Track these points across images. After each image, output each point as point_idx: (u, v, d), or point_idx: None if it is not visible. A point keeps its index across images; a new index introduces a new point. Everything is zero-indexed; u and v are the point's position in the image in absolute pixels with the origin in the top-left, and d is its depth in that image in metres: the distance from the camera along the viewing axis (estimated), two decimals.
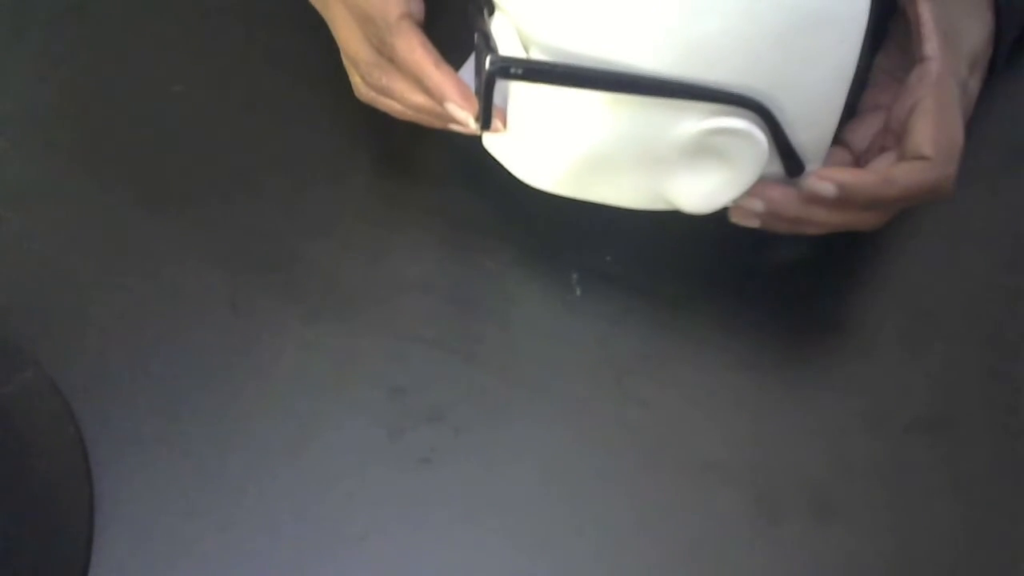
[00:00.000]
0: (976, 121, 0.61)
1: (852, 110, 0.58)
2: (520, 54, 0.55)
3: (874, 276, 0.64)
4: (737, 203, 0.57)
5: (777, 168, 0.56)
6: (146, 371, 0.60)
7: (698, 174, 0.56)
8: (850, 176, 0.55)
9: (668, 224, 0.61)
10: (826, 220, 0.57)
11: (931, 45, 0.57)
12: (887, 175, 0.55)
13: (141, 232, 0.64)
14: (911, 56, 0.58)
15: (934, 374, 0.61)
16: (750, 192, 0.56)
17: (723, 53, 0.52)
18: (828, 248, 0.63)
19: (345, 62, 0.63)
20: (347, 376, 0.60)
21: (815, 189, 0.55)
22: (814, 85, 0.54)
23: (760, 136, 0.53)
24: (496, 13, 0.57)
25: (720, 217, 0.58)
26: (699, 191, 0.56)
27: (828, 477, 0.58)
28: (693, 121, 0.53)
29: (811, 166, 0.56)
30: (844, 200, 0.55)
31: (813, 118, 0.55)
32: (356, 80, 0.62)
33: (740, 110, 0.53)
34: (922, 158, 0.55)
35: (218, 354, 0.61)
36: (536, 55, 0.54)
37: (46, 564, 0.55)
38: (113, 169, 0.67)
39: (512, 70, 0.54)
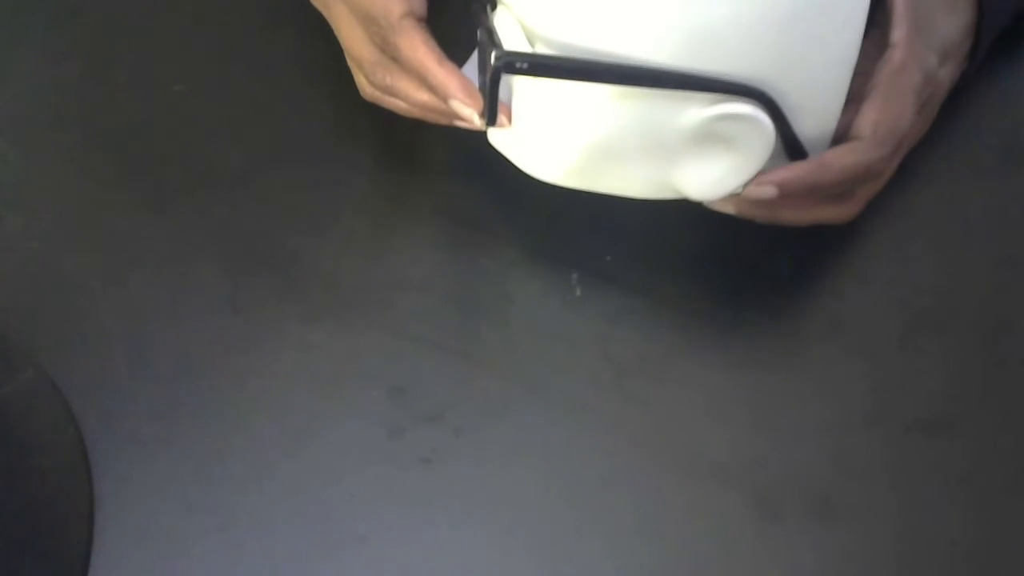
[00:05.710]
0: (975, 121, 0.62)
1: None
2: (524, 48, 0.55)
3: (874, 276, 0.64)
4: (712, 206, 0.58)
5: (781, 155, 0.56)
6: (146, 371, 0.60)
7: (705, 161, 0.56)
8: (785, 173, 0.56)
9: (668, 224, 0.62)
10: (793, 218, 0.59)
11: (898, 32, 0.58)
12: (820, 160, 0.56)
13: (141, 232, 0.64)
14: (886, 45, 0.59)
15: (935, 374, 0.61)
16: (722, 202, 0.58)
17: (726, 43, 0.52)
18: (828, 248, 0.63)
19: (349, 62, 0.63)
20: (347, 376, 0.60)
21: (757, 196, 0.56)
22: (817, 72, 0.54)
23: (766, 120, 0.54)
24: (499, 8, 0.57)
25: (721, 216, 0.58)
26: (706, 178, 0.56)
27: (828, 477, 0.58)
28: (698, 108, 0.54)
29: (815, 153, 0.57)
30: (786, 196, 0.56)
31: (816, 105, 0.55)
32: (361, 80, 0.62)
33: (744, 97, 0.53)
34: (858, 139, 0.57)
35: (218, 354, 0.61)
36: (541, 49, 0.54)
37: (46, 564, 0.55)
38: (113, 169, 0.67)
39: (518, 65, 0.54)
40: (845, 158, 0.56)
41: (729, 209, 0.58)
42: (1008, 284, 0.63)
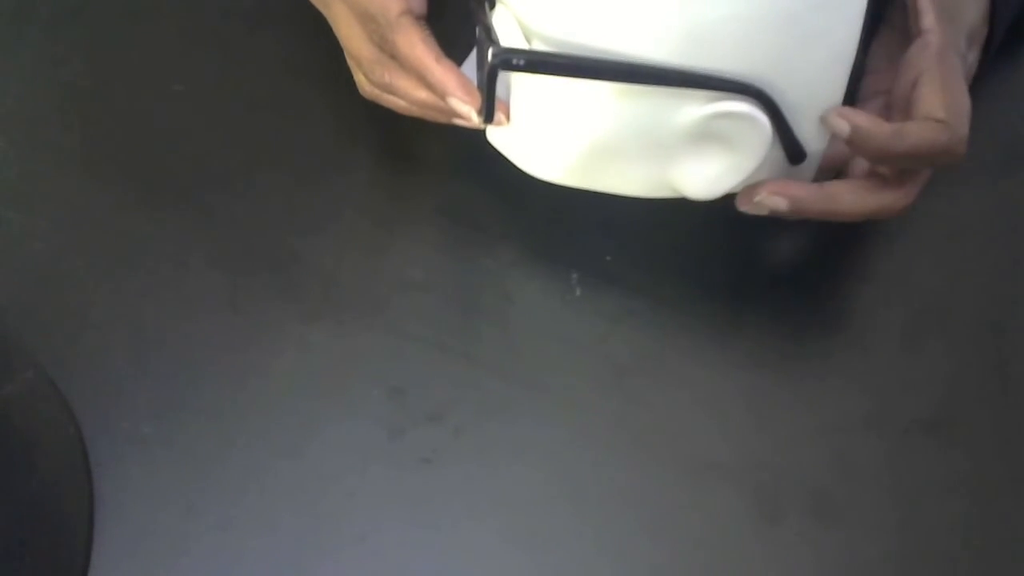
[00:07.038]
0: (976, 120, 0.61)
1: (852, 99, 0.58)
2: (522, 46, 0.55)
3: (874, 275, 0.64)
4: (758, 202, 0.56)
5: (779, 154, 0.56)
6: (146, 371, 0.60)
7: (702, 160, 0.56)
8: (865, 120, 0.54)
9: (668, 224, 0.62)
10: (850, 209, 0.57)
11: (928, 19, 0.57)
12: (899, 128, 0.54)
13: (141, 232, 0.64)
14: (910, 39, 0.58)
15: (935, 374, 0.61)
16: (772, 190, 0.56)
17: (724, 41, 0.52)
18: (829, 248, 0.63)
19: (348, 61, 0.63)
20: (347, 376, 0.60)
21: (831, 124, 0.54)
22: (815, 68, 0.54)
23: (763, 119, 0.54)
24: (497, 6, 0.57)
25: (721, 217, 0.58)
26: (704, 177, 0.56)
27: (828, 477, 0.58)
28: (696, 106, 0.54)
29: (813, 151, 0.57)
30: (854, 145, 0.54)
31: (814, 103, 0.55)
32: (360, 78, 0.62)
33: (742, 95, 0.53)
34: (935, 120, 0.55)
35: (218, 354, 0.61)
36: (538, 46, 0.54)
37: (46, 564, 0.55)
38: (113, 169, 0.67)
39: (514, 62, 0.54)
40: (924, 133, 0.54)
41: (783, 206, 0.56)
42: (1008, 284, 0.63)
